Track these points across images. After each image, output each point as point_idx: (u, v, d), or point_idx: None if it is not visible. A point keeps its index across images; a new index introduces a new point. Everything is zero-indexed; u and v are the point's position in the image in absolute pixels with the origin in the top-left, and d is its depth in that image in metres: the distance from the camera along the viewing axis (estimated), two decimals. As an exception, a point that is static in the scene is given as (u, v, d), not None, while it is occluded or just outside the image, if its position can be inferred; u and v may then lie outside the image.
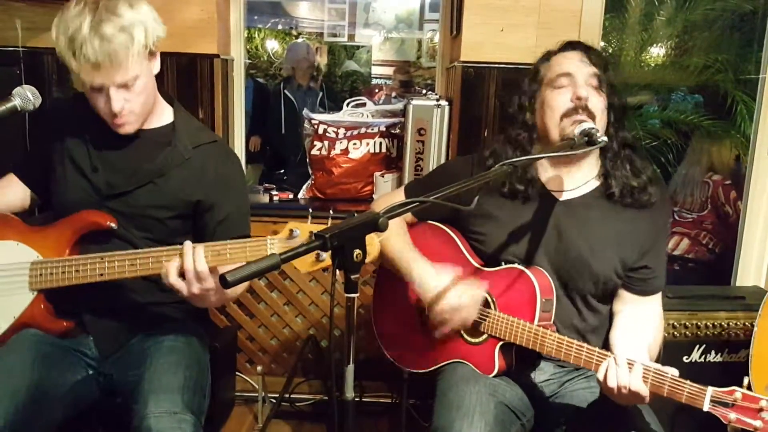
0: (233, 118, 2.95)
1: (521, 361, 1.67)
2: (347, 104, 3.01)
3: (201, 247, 1.49)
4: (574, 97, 1.59)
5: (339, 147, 2.85)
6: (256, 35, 7.47)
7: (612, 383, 1.41)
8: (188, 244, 1.50)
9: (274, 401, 2.71)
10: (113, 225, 1.66)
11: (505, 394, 1.63)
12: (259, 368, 2.76)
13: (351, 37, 6.38)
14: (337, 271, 1.09)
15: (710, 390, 1.32)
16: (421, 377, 1.89)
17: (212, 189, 1.73)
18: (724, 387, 1.32)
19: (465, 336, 1.71)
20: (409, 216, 1.88)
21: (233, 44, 2.90)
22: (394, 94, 5.63)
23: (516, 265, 1.65)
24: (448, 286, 1.61)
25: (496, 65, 2.46)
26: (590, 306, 1.69)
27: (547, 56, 1.72)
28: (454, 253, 1.77)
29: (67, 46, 1.50)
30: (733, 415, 1.30)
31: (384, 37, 6.35)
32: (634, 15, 4.62)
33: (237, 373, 2.76)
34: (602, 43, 4.92)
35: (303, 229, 1.45)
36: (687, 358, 2.30)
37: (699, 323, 2.30)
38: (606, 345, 1.67)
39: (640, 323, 1.65)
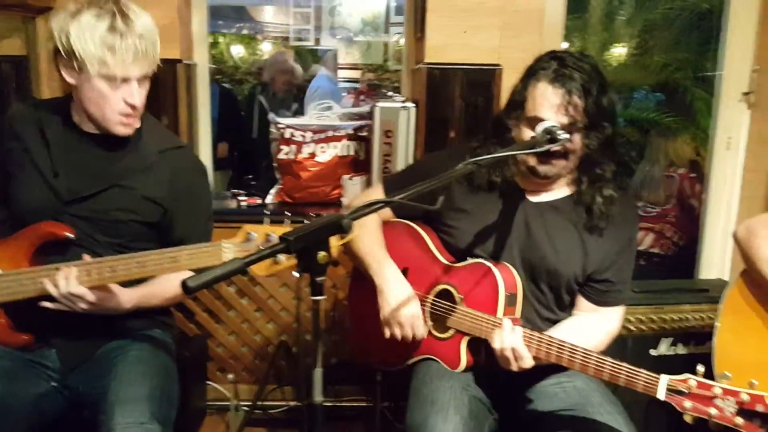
0: (198, 124, 2.92)
1: (491, 356, 1.65)
2: (313, 108, 3.01)
3: (74, 269, 1.54)
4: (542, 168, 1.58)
5: (306, 151, 2.84)
6: (221, 40, 7.42)
7: (496, 345, 1.50)
8: (62, 272, 1.54)
9: (247, 409, 2.68)
10: (70, 235, 1.63)
11: (479, 389, 1.64)
12: (230, 376, 2.73)
13: (317, 41, 6.37)
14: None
15: (665, 378, 1.33)
16: (394, 379, 1.89)
17: (176, 194, 1.72)
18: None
19: (433, 332, 1.72)
20: (387, 213, 1.88)
21: (196, 49, 2.87)
22: (362, 97, 5.63)
23: (482, 260, 1.66)
24: (407, 299, 1.66)
25: (461, 66, 2.47)
26: (550, 308, 1.71)
27: (535, 76, 1.58)
28: (420, 249, 1.79)
29: (101, 42, 1.51)
30: (688, 404, 1.30)
31: (350, 41, 6.35)
32: (596, 15, 4.70)
33: (208, 382, 2.73)
34: (565, 44, 5.05)
35: (259, 232, 1.44)
36: (654, 351, 2.33)
37: (665, 316, 2.35)
38: None
39: (588, 326, 1.66)
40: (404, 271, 1.80)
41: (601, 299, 1.69)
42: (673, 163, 3.66)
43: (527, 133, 1.56)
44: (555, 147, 1.47)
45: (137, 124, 1.67)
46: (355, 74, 6.44)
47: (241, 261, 0.94)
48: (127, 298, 1.64)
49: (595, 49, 4.91)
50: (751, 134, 2.66)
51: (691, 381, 1.30)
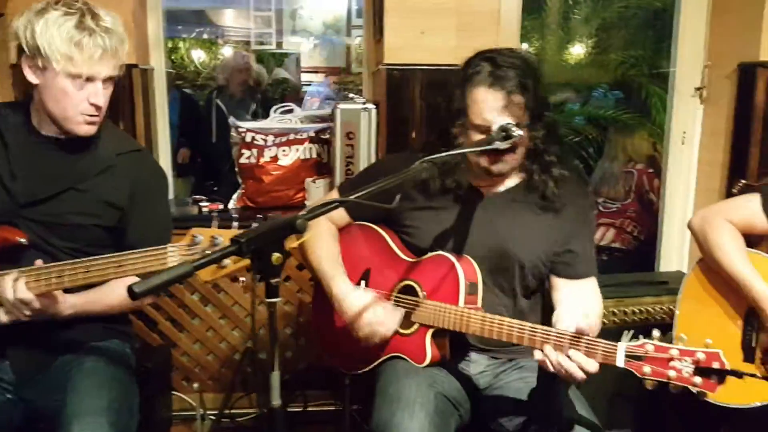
0: (156, 129, 2.88)
1: (454, 351, 1.69)
2: (274, 111, 2.99)
3: (22, 275, 1.52)
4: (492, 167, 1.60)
5: (268, 154, 2.82)
6: (181, 45, 7.32)
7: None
8: (9, 277, 1.52)
9: (214, 418, 2.65)
10: (23, 240, 1.59)
11: (444, 386, 1.65)
12: (195, 385, 2.69)
13: (279, 44, 6.34)
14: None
15: (623, 345, 1.35)
16: (363, 381, 1.89)
17: (133, 198, 1.70)
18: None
19: (397, 329, 1.72)
20: (344, 219, 1.88)
21: (153, 53, 2.84)
22: (327, 100, 5.61)
23: (440, 253, 1.67)
24: (363, 307, 1.66)
25: (420, 67, 2.48)
26: (517, 298, 1.73)
27: (471, 81, 1.58)
28: (381, 249, 1.80)
29: (68, 38, 1.50)
30: (647, 368, 1.31)
31: (313, 44, 6.34)
32: (552, 15, 4.77)
33: (173, 392, 2.69)
34: (525, 45, 5.13)
35: (205, 235, 1.42)
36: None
37: (626, 309, 2.39)
38: None
39: (579, 303, 1.67)
40: (367, 272, 1.81)
41: (570, 272, 1.71)
42: (632, 159, 3.74)
43: (478, 138, 1.58)
44: (504, 145, 1.47)
45: (98, 126, 1.65)
46: (319, 77, 6.42)
47: (190, 265, 0.93)
48: (69, 304, 1.60)
49: (553, 49, 4.98)
50: (704, 128, 2.73)
51: (648, 345, 1.32)
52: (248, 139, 2.83)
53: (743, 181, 2.28)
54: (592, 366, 1.38)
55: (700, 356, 1.27)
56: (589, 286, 1.73)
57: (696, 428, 2.45)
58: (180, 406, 2.73)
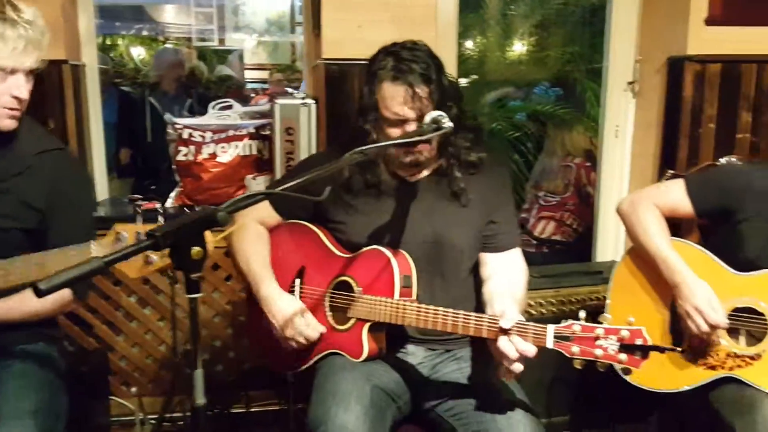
0: (89, 128, 2.79)
1: (392, 343, 1.70)
2: (212, 107, 2.93)
3: None
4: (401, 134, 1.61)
5: (206, 151, 2.76)
6: (120, 42, 7.13)
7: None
8: None
9: (154, 422, 2.58)
10: None
11: (381, 378, 1.65)
12: (133, 390, 2.62)
13: (221, 41, 6.23)
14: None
15: (551, 327, 1.38)
16: (307, 380, 1.87)
17: (54, 199, 1.64)
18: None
19: (333, 325, 1.72)
20: (274, 217, 1.87)
21: (84, 49, 2.75)
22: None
23: (374, 247, 1.68)
24: (293, 313, 1.69)
25: (358, 62, 2.47)
26: (457, 284, 1.75)
27: (377, 77, 1.62)
28: (316, 246, 1.79)
29: None
30: (575, 348, 1.35)
31: (256, 41, 6.25)
32: (492, 12, 4.84)
33: (111, 397, 2.61)
34: (469, 42, 5.20)
35: (130, 231, 1.38)
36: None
37: (564, 299, 2.45)
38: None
39: (504, 277, 1.70)
40: (302, 270, 1.80)
41: (495, 245, 1.75)
42: (570, 154, 3.82)
43: (394, 133, 1.61)
44: (434, 135, 1.48)
45: (17, 121, 1.59)
46: (264, 74, 6.34)
47: (100, 260, 0.89)
48: None
49: (494, 46, 5.06)
50: (636, 121, 2.81)
51: (576, 326, 1.36)
52: (185, 135, 2.77)
53: (671, 171, 2.36)
54: (531, 350, 1.41)
55: (624, 333, 1.32)
56: (514, 257, 1.76)
57: (631, 414, 2.53)
58: (119, 411, 2.65)
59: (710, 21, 2.46)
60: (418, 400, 1.72)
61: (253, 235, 1.82)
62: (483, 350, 1.57)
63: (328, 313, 1.74)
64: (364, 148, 1.36)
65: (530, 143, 4.55)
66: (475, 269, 1.78)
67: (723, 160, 2.23)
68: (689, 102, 2.49)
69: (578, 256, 3.37)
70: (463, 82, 5.30)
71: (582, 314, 1.38)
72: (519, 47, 5.22)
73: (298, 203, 1.80)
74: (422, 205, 1.73)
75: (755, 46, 2.49)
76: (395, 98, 1.58)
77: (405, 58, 1.60)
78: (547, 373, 2.48)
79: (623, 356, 1.32)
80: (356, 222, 1.75)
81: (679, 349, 1.68)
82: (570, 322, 1.37)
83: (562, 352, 1.37)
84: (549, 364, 2.47)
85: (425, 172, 1.75)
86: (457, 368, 1.73)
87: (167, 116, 2.91)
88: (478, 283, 1.77)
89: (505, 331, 1.42)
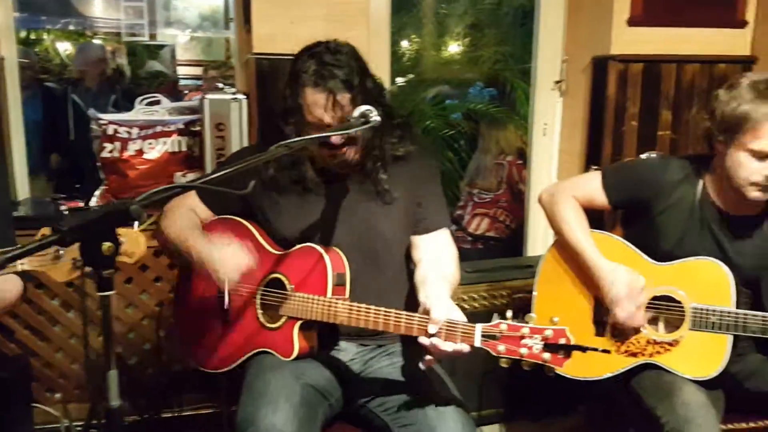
0: (9, 125, 2.66)
1: (323, 341, 1.68)
2: (139, 102, 2.85)
3: None
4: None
5: (132, 148, 2.67)
6: (46, 37, 6.83)
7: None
8: None
9: (80, 429, 2.48)
10: None
11: (312, 376, 1.63)
12: (57, 396, 2.51)
13: (153, 36, 6.04)
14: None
15: (479, 326, 1.40)
16: (240, 381, 1.83)
17: None
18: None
19: (264, 323, 1.69)
20: (205, 212, 1.83)
21: (3, 43, 2.63)
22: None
23: (308, 244, 1.66)
24: (228, 251, 1.62)
25: (290, 57, 2.44)
26: (389, 273, 1.75)
27: (299, 80, 1.59)
28: (248, 242, 1.75)
29: None
30: (501, 347, 1.37)
31: (189, 37, 6.09)
32: (426, 12, 4.88)
33: (35, 404, 2.49)
34: (405, 42, 5.25)
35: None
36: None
37: (495, 293, 2.49)
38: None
39: (434, 259, 1.70)
40: None
41: (422, 226, 1.75)
42: (503, 152, 3.90)
43: (315, 133, 1.56)
44: (364, 128, 1.48)
45: None
46: (197, 71, 6.18)
47: (2, 257, 0.84)
48: None
49: (430, 46, 5.12)
50: (563, 120, 2.89)
51: (503, 325, 1.38)
52: (110, 131, 2.68)
53: (595, 167, 2.44)
54: (464, 349, 1.42)
55: (548, 333, 1.34)
56: (442, 238, 1.77)
57: (560, 402, 2.60)
58: (44, 419, 2.54)
59: (632, 22, 2.56)
60: (350, 396, 1.71)
61: (184, 218, 1.77)
62: (415, 345, 1.57)
63: (259, 311, 1.71)
64: (289, 141, 1.34)
65: (463, 141, 4.63)
66: (408, 254, 1.79)
67: (644, 156, 2.31)
68: (613, 100, 2.58)
69: (512, 251, 3.45)
70: (399, 81, 5.35)
71: (509, 314, 1.40)
72: (454, 47, 5.29)
73: (227, 197, 1.72)
74: (349, 202, 1.72)
75: (674, 46, 2.60)
76: (317, 104, 1.56)
77: (327, 63, 1.57)
78: (478, 367, 2.52)
79: (547, 355, 1.34)
80: (284, 219, 1.73)
81: (600, 349, 1.72)
82: (497, 321, 1.39)
83: (489, 350, 1.39)
84: (480, 359, 2.51)
85: (351, 169, 1.72)
86: (390, 363, 1.73)
87: (91, 111, 2.82)
88: (410, 267, 1.77)
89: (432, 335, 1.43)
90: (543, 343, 1.34)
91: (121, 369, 2.51)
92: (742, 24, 2.63)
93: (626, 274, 1.80)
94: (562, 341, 1.34)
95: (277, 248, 1.74)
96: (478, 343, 1.40)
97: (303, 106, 1.58)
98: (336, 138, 1.52)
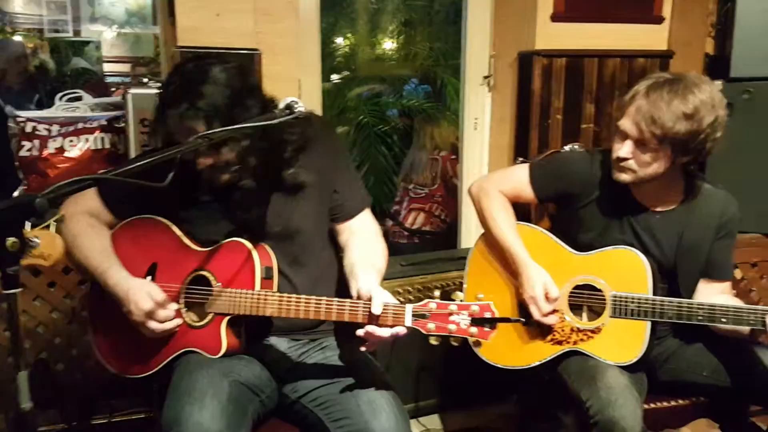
0: None
1: (252, 336, 1.66)
2: (59, 98, 2.75)
3: None
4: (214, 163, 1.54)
5: (53, 146, 2.57)
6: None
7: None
8: None
9: (2, 438, 2.37)
10: None
11: (241, 373, 1.60)
12: (-25, 406, 2.38)
13: (77, 32, 5.81)
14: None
15: (409, 307, 1.44)
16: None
17: None
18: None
19: (189, 322, 1.65)
20: (106, 216, 1.75)
21: None
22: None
23: (234, 239, 1.63)
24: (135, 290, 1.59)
25: (217, 50, 2.39)
26: (313, 263, 1.73)
27: (170, 109, 1.50)
28: (168, 240, 1.71)
29: None
30: (431, 325, 1.42)
31: (116, 33, 5.89)
32: (360, 9, 4.89)
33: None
34: (340, 40, 5.23)
35: None
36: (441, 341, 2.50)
37: (429, 285, 2.52)
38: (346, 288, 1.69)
39: (360, 243, 1.71)
40: (153, 267, 1.70)
41: (343, 213, 1.75)
42: (438, 147, 3.95)
43: (205, 161, 1.53)
44: (290, 118, 1.44)
45: None
46: (125, 68, 5.98)
47: None
48: None
49: (365, 43, 5.12)
50: (492, 114, 2.94)
51: (431, 304, 1.43)
52: (29, 129, 2.57)
53: (521, 159, 2.49)
54: (402, 331, 1.45)
55: (475, 308, 1.41)
56: (364, 219, 1.77)
57: (494, 391, 2.65)
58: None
59: (555, 18, 2.62)
60: (284, 392, 1.69)
61: (83, 226, 1.68)
62: (348, 337, 1.57)
63: (184, 310, 1.66)
64: (209, 132, 1.31)
65: (396, 136, 4.66)
66: (333, 240, 1.78)
67: (567, 148, 2.37)
68: (538, 95, 2.64)
69: (447, 244, 3.49)
70: (334, 78, 5.33)
71: (437, 293, 1.46)
72: (388, 44, 5.31)
73: (132, 199, 1.68)
74: (260, 198, 1.66)
75: (596, 42, 2.68)
76: (188, 135, 1.43)
77: (192, 94, 1.46)
78: (413, 361, 2.55)
79: (474, 329, 1.40)
80: (203, 216, 1.68)
81: (523, 320, 1.79)
82: (426, 300, 1.43)
83: (420, 329, 1.43)
84: (415, 352, 2.55)
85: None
86: (323, 358, 1.72)
87: (8, 109, 2.69)
88: (337, 254, 1.77)
89: (376, 317, 1.44)
90: (470, 318, 1.40)
91: (45, 375, 2.44)
92: (659, 20, 2.74)
93: (545, 278, 1.87)
94: (488, 315, 1.40)
95: (201, 245, 1.69)
96: (409, 322, 1.43)
97: (176, 135, 1.50)
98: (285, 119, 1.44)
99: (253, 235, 1.65)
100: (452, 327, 1.41)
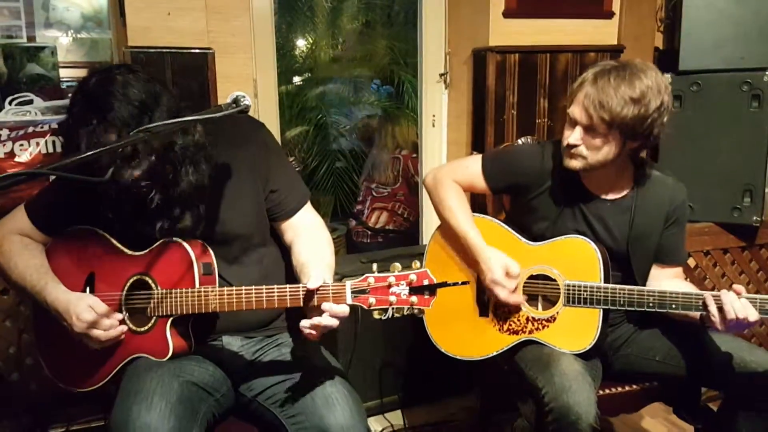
0: None
1: (200, 335, 1.63)
2: (9, 102, 2.69)
3: None
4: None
5: (2, 150, 2.52)
6: None
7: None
8: None
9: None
10: None
11: (193, 373, 1.59)
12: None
13: (31, 38, 5.67)
14: None
15: (348, 283, 1.43)
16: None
17: None
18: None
19: (132, 327, 1.63)
20: (37, 235, 1.72)
21: None
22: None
23: (170, 239, 1.60)
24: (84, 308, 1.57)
25: (168, 50, 2.37)
26: (254, 261, 1.71)
27: (76, 126, 1.42)
28: (102, 248, 1.67)
29: None
30: (372, 299, 1.41)
31: (72, 38, 5.77)
32: (319, 11, 4.88)
33: None
34: (301, 42, 5.22)
35: None
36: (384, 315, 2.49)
37: (391, 280, 2.50)
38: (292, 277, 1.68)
39: (305, 239, 1.68)
40: (90, 276, 1.67)
41: (284, 211, 1.72)
42: (399, 146, 3.96)
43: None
44: (235, 111, 1.42)
45: None
46: (81, 73, 5.87)
47: None
48: None
49: (325, 45, 5.12)
50: (449, 111, 2.97)
51: (370, 278, 1.42)
52: (-23, 134, 2.51)
53: (475, 153, 2.51)
54: (342, 309, 1.42)
55: (413, 277, 1.40)
56: (306, 214, 1.74)
57: (455, 386, 2.67)
58: None
59: (507, 14, 2.65)
60: (239, 391, 1.68)
61: (17, 246, 1.68)
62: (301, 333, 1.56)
63: (126, 317, 1.63)
64: (151, 126, 1.28)
65: (356, 135, 4.66)
66: (275, 236, 1.76)
67: (520, 141, 2.40)
68: (492, 91, 2.66)
69: (411, 242, 3.51)
70: (296, 80, 5.32)
71: (374, 266, 1.44)
72: (348, 45, 5.32)
73: (59, 214, 1.68)
74: (193, 201, 1.58)
75: (547, 37, 2.72)
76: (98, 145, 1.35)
77: (98, 108, 1.40)
78: (376, 358, 2.56)
79: (414, 298, 1.40)
80: (127, 226, 1.61)
81: (463, 281, 1.77)
82: (365, 275, 1.42)
83: (361, 305, 1.42)
84: (378, 349, 2.56)
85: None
86: (279, 355, 1.71)
87: (-46, 114, 2.62)
88: (282, 251, 1.75)
89: (311, 292, 1.43)
90: (409, 287, 1.40)
91: (1, 385, 2.38)
92: (609, 15, 2.79)
93: (503, 258, 1.88)
94: (426, 282, 1.40)
95: (136, 249, 1.65)
96: (350, 299, 1.42)
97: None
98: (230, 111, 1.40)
99: (191, 239, 1.61)
100: (392, 299, 1.40)
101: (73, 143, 1.41)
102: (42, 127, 2.60)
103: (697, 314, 1.77)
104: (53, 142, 2.59)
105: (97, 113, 1.39)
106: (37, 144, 2.57)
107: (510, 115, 2.69)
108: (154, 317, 1.59)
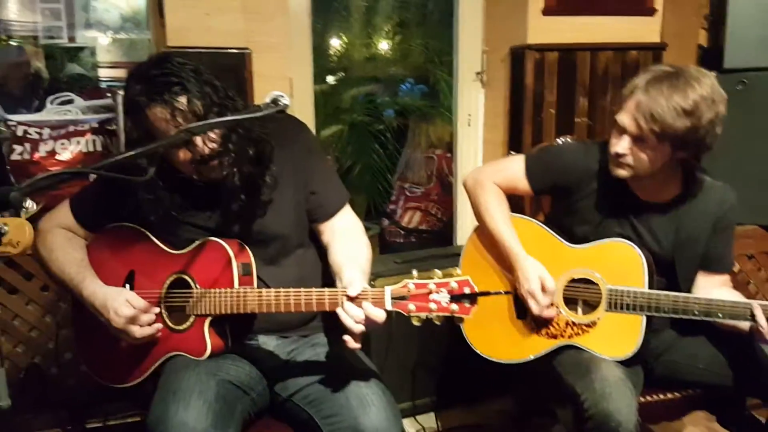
0: None
1: (237, 335, 1.64)
2: (50, 101, 2.75)
3: None
4: (194, 157, 1.50)
5: (44, 149, 2.58)
6: (-44, 41, 6.47)
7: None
8: None
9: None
10: None
11: (230, 372, 1.59)
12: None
13: (72, 39, 5.80)
14: None
15: (388, 289, 1.40)
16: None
17: None
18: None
19: (171, 326, 1.64)
20: (79, 230, 1.76)
21: None
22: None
23: (209, 238, 1.61)
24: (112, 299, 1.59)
25: (206, 50, 2.38)
26: (293, 264, 1.71)
27: (135, 108, 1.48)
28: (144, 246, 1.69)
29: None
30: (411, 306, 1.38)
31: (111, 38, 5.88)
32: (355, 10, 4.88)
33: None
34: (334, 41, 5.23)
35: None
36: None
37: (425, 282, 2.49)
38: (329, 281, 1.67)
39: (343, 240, 1.67)
40: (131, 274, 1.69)
41: (323, 213, 1.71)
42: (433, 145, 3.94)
43: (183, 154, 1.50)
44: (275, 110, 1.42)
45: None
46: (120, 73, 5.98)
47: None
48: None
49: (360, 45, 5.12)
50: (486, 110, 2.93)
51: (410, 284, 1.39)
52: (20, 133, 2.58)
53: (512, 153, 2.48)
54: (378, 313, 1.41)
55: (453, 285, 1.38)
56: (345, 216, 1.73)
57: (490, 387, 2.64)
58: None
59: (547, 11, 2.61)
60: (274, 390, 1.68)
61: (61, 240, 1.70)
62: (337, 331, 1.55)
63: (165, 315, 1.65)
64: (193, 125, 1.29)
65: (389, 134, 4.63)
66: (314, 238, 1.75)
67: (559, 141, 2.36)
68: (531, 89, 2.62)
69: (444, 243, 3.48)
70: (329, 79, 5.33)
71: (414, 272, 1.42)
72: (383, 45, 5.31)
73: (102, 210, 1.71)
74: (236, 200, 1.60)
75: (588, 35, 2.66)
76: (164, 122, 1.44)
77: (156, 77, 1.46)
78: (409, 359, 2.54)
79: (455, 306, 1.37)
80: (168, 224, 1.64)
81: (503, 291, 1.79)
82: (405, 281, 1.40)
83: (400, 311, 1.40)
84: (411, 351, 2.54)
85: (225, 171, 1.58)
86: (314, 354, 1.70)
87: (-2, 112, 2.68)
88: (320, 252, 1.74)
89: (352, 299, 1.42)
90: (450, 295, 1.37)
91: (40, 379, 2.42)
92: (651, 12, 2.73)
93: (541, 270, 1.84)
94: (467, 290, 1.37)
95: (176, 248, 1.67)
96: (389, 305, 1.40)
97: (156, 133, 1.47)
98: (201, 148, 1.45)
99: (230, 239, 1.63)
100: (433, 306, 1.38)
101: (134, 130, 1.48)
102: (82, 126, 2.65)
103: (746, 325, 1.71)
104: (93, 141, 2.64)
105: (158, 92, 1.43)
106: (78, 143, 2.62)
107: (548, 114, 2.65)
108: (193, 316, 1.60)
